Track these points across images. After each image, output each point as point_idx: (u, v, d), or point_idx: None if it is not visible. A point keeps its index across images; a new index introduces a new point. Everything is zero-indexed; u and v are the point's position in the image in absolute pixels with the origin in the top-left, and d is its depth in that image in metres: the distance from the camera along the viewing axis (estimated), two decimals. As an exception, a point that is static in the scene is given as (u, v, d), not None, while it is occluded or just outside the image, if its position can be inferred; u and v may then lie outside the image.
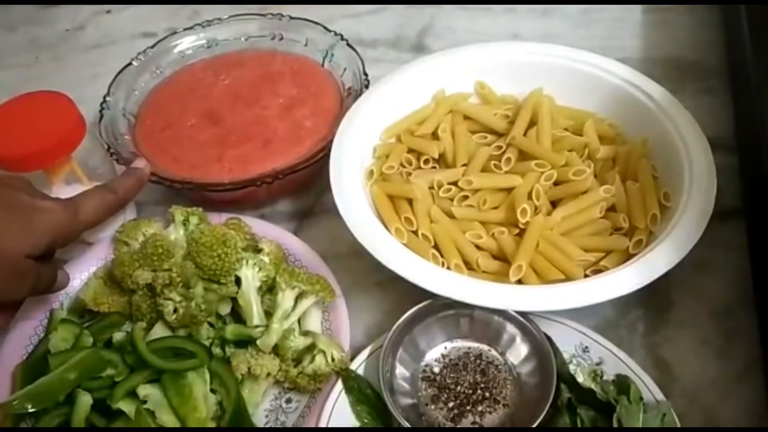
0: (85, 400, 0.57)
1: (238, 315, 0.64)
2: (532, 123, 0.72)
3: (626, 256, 0.62)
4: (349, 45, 0.81)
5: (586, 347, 0.61)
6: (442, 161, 0.72)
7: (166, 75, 0.83)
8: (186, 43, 0.85)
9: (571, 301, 0.56)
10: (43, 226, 0.57)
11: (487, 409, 0.59)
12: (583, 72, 0.74)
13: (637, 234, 0.64)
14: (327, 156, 0.69)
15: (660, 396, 0.57)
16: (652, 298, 0.66)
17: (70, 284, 0.68)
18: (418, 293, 0.60)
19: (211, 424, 0.57)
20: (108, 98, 0.77)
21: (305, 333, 0.62)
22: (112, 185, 0.65)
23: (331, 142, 0.70)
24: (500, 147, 0.71)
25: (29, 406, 0.56)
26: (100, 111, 0.76)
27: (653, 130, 0.69)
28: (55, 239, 0.59)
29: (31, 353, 0.63)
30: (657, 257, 0.58)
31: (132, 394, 0.58)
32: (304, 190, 0.78)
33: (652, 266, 0.58)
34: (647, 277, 0.57)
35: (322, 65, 0.82)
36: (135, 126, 0.78)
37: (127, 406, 0.57)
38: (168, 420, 0.57)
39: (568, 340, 0.61)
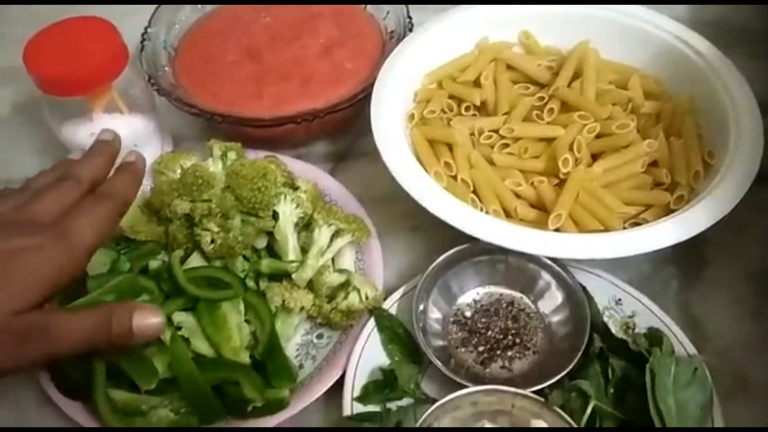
0: (121, 323, 0.58)
1: (272, 250, 0.64)
2: (576, 75, 0.71)
3: (666, 212, 0.62)
4: (393, -13, 0.80)
5: (619, 299, 0.61)
6: (482, 109, 0.72)
7: (206, 10, 0.82)
8: (228, -22, 0.84)
9: (609, 251, 0.56)
10: (28, 271, 0.45)
11: (517, 355, 0.59)
12: (631, 26, 0.73)
13: (679, 190, 0.63)
14: (366, 99, 0.68)
15: (692, 350, 0.57)
16: (688, 257, 0.66)
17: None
18: (452, 239, 0.60)
19: (245, 354, 0.58)
20: (149, 30, 0.77)
21: (340, 271, 0.63)
22: (104, 190, 0.52)
23: (371, 85, 0.69)
24: (542, 98, 0.70)
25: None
26: (142, 42, 0.76)
27: (700, 88, 0.68)
28: (54, 282, 0.46)
29: (70, 275, 0.64)
30: (698, 213, 0.58)
31: (167, 321, 0.58)
32: (341, 132, 0.77)
33: (693, 222, 0.57)
34: (687, 232, 0.57)
35: (365, 7, 0.81)
36: (175, 59, 0.78)
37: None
38: (202, 347, 0.58)
39: (601, 292, 0.61)
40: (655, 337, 0.57)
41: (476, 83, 0.72)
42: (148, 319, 0.48)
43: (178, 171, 0.67)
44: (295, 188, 0.65)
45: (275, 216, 0.62)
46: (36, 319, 0.45)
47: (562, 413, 0.52)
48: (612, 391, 0.55)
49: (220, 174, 0.65)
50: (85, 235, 0.48)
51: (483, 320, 0.61)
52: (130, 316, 0.47)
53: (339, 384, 0.57)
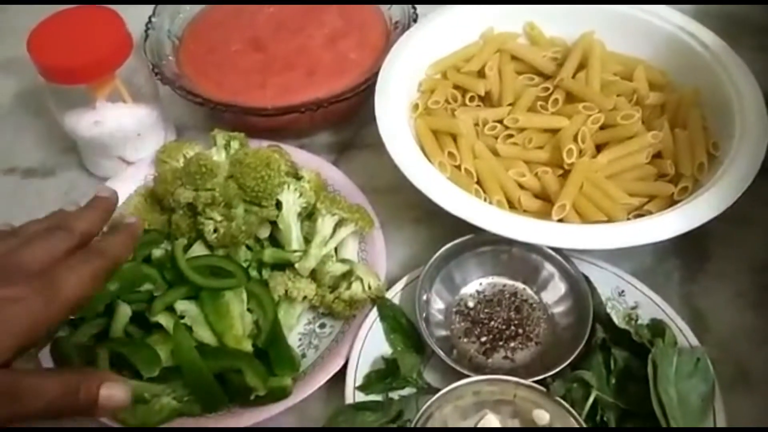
0: (124, 311, 0.58)
1: (275, 240, 0.64)
2: (581, 66, 0.71)
3: (670, 203, 0.62)
4: (397, -22, 0.80)
5: (622, 291, 0.61)
6: (487, 100, 0.72)
7: None
8: (232, -32, 0.84)
9: (612, 242, 0.56)
10: (2, 324, 0.41)
11: (519, 346, 0.59)
12: (636, 17, 0.73)
13: (683, 181, 0.63)
14: (370, 89, 0.68)
15: (695, 341, 0.57)
16: (691, 249, 0.66)
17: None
18: (455, 230, 0.61)
19: (247, 343, 0.58)
20: (153, 19, 0.77)
21: (343, 260, 0.63)
22: (98, 247, 0.48)
23: (375, 75, 0.69)
24: (547, 89, 0.70)
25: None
26: (146, 31, 0.76)
27: (706, 80, 0.68)
28: (27, 337, 0.42)
29: (72, 264, 0.65)
30: (701, 205, 0.58)
31: (170, 310, 0.59)
32: (344, 123, 0.77)
33: (696, 213, 0.57)
34: (690, 223, 0.57)
35: (370, -2, 0.81)
36: (179, 48, 0.78)
37: (165, 320, 0.58)
38: (205, 335, 0.58)
39: (604, 283, 0.61)
40: (657, 328, 0.57)
41: (481, 74, 0.72)
42: (114, 394, 0.43)
43: (182, 160, 0.67)
44: (299, 178, 0.65)
45: (278, 205, 0.62)
46: (5, 380, 0.41)
47: (564, 403, 0.52)
48: (614, 381, 0.55)
49: (224, 163, 0.65)
50: (68, 291, 0.43)
51: (486, 311, 0.61)
52: (98, 387, 0.43)
53: (341, 373, 0.57)
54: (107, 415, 0.50)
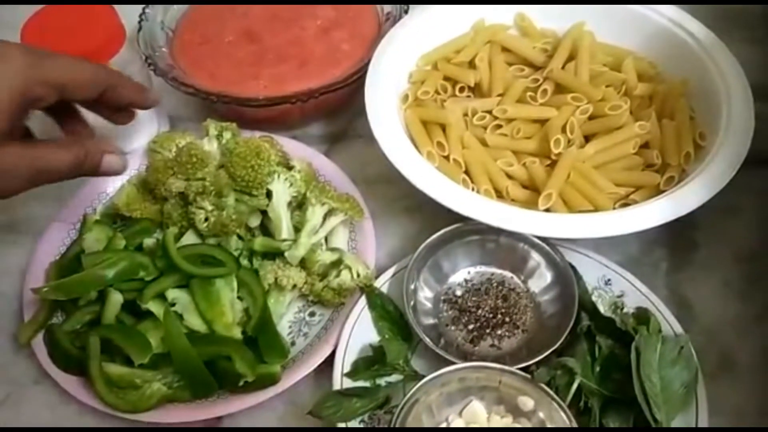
0: (116, 298, 0.59)
1: (266, 230, 0.65)
2: (571, 57, 0.71)
3: (656, 192, 0.62)
4: (389, -31, 0.80)
5: (609, 280, 0.61)
6: (477, 90, 0.72)
7: (205, -9, 0.83)
8: (226, -41, 0.85)
9: (598, 230, 0.57)
10: None
11: (506, 334, 0.60)
12: (626, 9, 0.73)
13: (670, 171, 0.63)
14: (362, 80, 0.68)
15: (679, 330, 0.58)
16: (678, 239, 0.67)
17: (103, 190, 0.69)
18: (445, 219, 0.61)
19: (237, 330, 0.59)
20: (147, 10, 0.77)
21: (332, 249, 0.63)
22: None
23: (366, 66, 0.69)
24: (537, 80, 0.70)
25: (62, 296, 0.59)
26: (139, 22, 0.76)
27: (694, 71, 0.69)
28: (20, 97, 0.47)
29: (65, 253, 0.66)
30: (686, 194, 0.59)
31: (161, 297, 0.60)
32: (337, 114, 0.78)
33: (681, 203, 0.58)
34: (675, 212, 0.57)
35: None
36: (173, 39, 0.78)
37: (156, 307, 0.59)
38: (195, 323, 0.59)
39: (591, 272, 0.61)
40: (642, 316, 0.58)
41: (471, 65, 0.73)
42: (113, 163, 0.54)
43: (174, 150, 0.67)
44: (290, 168, 0.66)
45: (269, 195, 0.63)
46: (27, 157, 0.48)
47: (548, 389, 0.52)
48: (598, 368, 0.55)
49: (216, 153, 0.66)
50: (58, 68, 0.49)
51: (473, 299, 0.62)
52: (100, 156, 0.53)
53: (330, 360, 0.58)
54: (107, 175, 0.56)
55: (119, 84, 0.55)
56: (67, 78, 0.50)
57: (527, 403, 0.53)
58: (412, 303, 0.59)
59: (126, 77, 0.56)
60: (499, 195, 0.64)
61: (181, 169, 0.63)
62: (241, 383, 0.56)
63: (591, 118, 0.67)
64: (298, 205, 0.65)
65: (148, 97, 0.58)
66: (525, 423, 0.53)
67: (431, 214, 0.66)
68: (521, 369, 0.54)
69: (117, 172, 0.55)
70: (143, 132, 0.73)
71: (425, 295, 0.61)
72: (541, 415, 0.53)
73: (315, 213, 0.63)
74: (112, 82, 0.54)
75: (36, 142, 0.52)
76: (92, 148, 0.53)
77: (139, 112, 0.70)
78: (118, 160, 0.54)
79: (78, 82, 0.51)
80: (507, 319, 0.60)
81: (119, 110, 0.58)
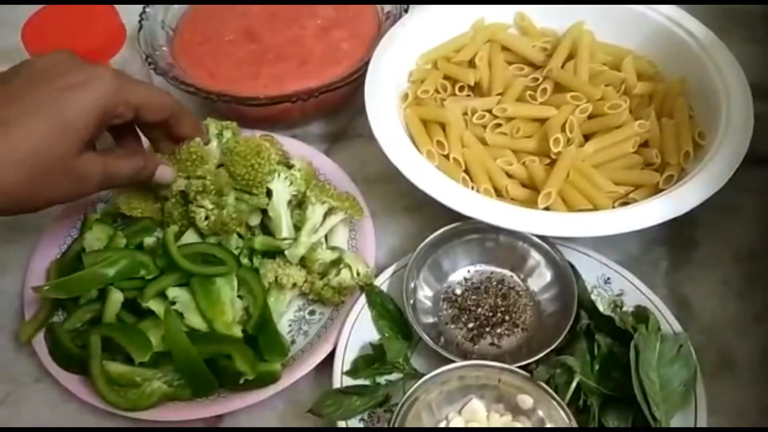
0: (116, 297, 0.59)
1: (266, 228, 0.65)
2: (571, 56, 0.71)
3: (656, 191, 0.63)
4: (389, -32, 0.81)
5: (608, 278, 0.61)
6: (476, 89, 0.72)
7: (205, -10, 0.83)
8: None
9: (598, 229, 0.57)
10: (78, 110, 0.51)
11: (506, 332, 0.60)
12: (626, 8, 0.73)
13: (669, 170, 0.64)
14: (362, 79, 0.69)
15: (678, 328, 0.58)
16: (677, 238, 0.67)
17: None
18: (444, 218, 0.61)
19: (237, 328, 0.59)
20: (147, 9, 0.77)
21: (332, 248, 0.63)
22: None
23: (367, 65, 0.70)
24: (536, 79, 0.70)
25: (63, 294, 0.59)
26: (140, 21, 0.76)
27: (693, 70, 0.69)
28: (104, 113, 0.53)
29: (66, 251, 0.66)
30: (686, 193, 0.59)
31: (161, 296, 0.60)
32: (337, 113, 0.78)
33: (680, 201, 0.58)
34: (674, 210, 0.57)
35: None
36: (173, 39, 0.78)
37: (156, 306, 0.59)
38: (195, 321, 0.59)
39: (590, 270, 0.62)
40: (641, 315, 0.58)
41: (471, 64, 0.73)
42: (165, 174, 0.61)
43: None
44: (290, 166, 0.66)
45: (269, 194, 0.63)
46: (99, 165, 0.54)
47: (547, 388, 0.52)
48: (597, 367, 0.56)
49: (216, 151, 0.66)
50: (139, 89, 0.56)
51: (473, 298, 0.62)
52: (155, 167, 0.60)
53: (330, 358, 0.58)
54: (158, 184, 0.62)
55: (182, 115, 0.61)
56: (144, 101, 0.56)
57: (526, 401, 0.53)
58: (411, 301, 0.59)
59: (189, 112, 0.62)
60: (499, 194, 0.65)
61: (181, 167, 0.63)
62: (241, 381, 0.56)
63: (590, 117, 0.67)
64: (298, 203, 0.65)
65: (203, 135, 0.63)
66: (524, 421, 0.53)
67: (431, 213, 0.66)
68: (521, 367, 0.54)
69: (167, 182, 0.61)
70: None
71: (425, 293, 0.62)
72: (540, 413, 0.53)
73: (315, 212, 0.63)
74: (177, 110, 0.60)
75: (106, 151, 0.58)
76: (149, 159, 0.60)
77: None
78: (169, 170, 0.61)
79: (152, 106, 0.57)
80: (506, 318, 0.60)
81: (171, 139, 0.62)
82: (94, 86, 0.52)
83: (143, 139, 0.62)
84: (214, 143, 0.67)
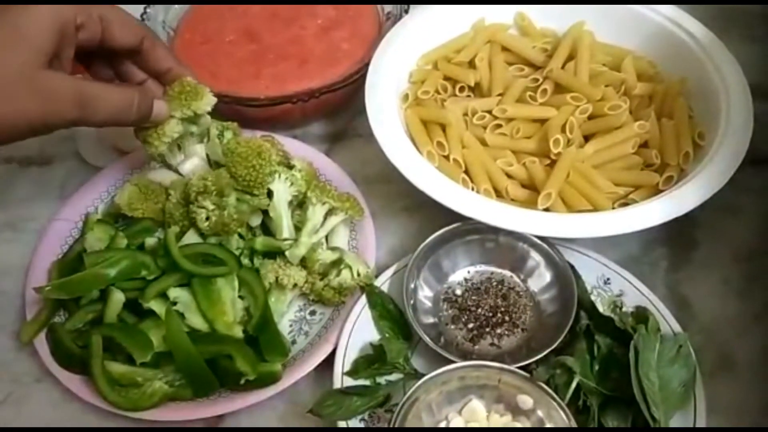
0: (117, 297, 0.60)
1: (267, 229, 0.65)
2: (571, 57, 0.71)
3: (655, 192, 0.63)
4: (389, -31, 0.81)
5: (608, 279, 0.62)
6: (477, 90, 0.73)
7: (206, -9, 0.83)
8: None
9: (597, 230, 0.57)
10: (32, 18, 0.48)
11: (506, 332, 0.60)
12: (625, 8, 0.73)
13: (669, 171, 0.64)
14: (362, 79, 0.69)
15: (678, 329, 0.58)
16: (677, 238, 0.67)
17: (104, 189, 0.70)
18: (445, 219, 0.61)
19: (238, 329, 0.59)
20: (148, 9, 0.77)
21: (333, 248, 0.64)
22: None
23: (367, 65, 0.70)
24: (537, 79, 0.71)
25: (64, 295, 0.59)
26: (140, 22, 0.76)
27: (693, 70, 0.69)
28: (63, 22, 0.49)
29: (67, 252, 0.66)
30: (685, 194, 0.59)
31: (162, 296, 0.60)
32: (337, 113, 0.78)
33: (680, 202, 0.58)
34: (673, 211, 0.58)
35: (363, -11, 0.82)
36: (174, 39, 0.78)
37: (157, 306, 0.59)
38: (196, 322, 0.59)
39: (590, 271, 0.62)
40: (641, 315, 0.58)
41: (471, 64, 0.73)
42: (161, 109, 0.56)
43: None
44: (290, 167, 0.66)
45: (270, 194, 0.63)
46: (73, 86, 0.49)
47: (547, 388, 0.53)
48: (597, 367, 0.56)
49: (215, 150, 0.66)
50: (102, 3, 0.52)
51: (473, 298, 0.62)
52: (151, 102, 0.55)
53: (330, 359, 0.58)
54: (152, 125, 0.57)
55: (156, 41, 0.57)
56: (110, 16, 0.53)
57: (526, 401, 0.53)
58: (412, 302, 0.59)
59: (162, 42, 0.58)
60: (499, 194, 0.65)
61: (174, 104, 0.60)
62: (242, 382, 0.56)
63: (590, 117, 0.67)
64: (299, 204, 0.65)
65: (181, 67, 0.59)
66: (524, 421, 0.53)
67: (431, 214, 0.66)
68: (521, 368, 0.54)
69: (162, 118, 0.57)
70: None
71: (425, 294, 0.62)
72: (540, 413, 0.53)
73: (315, 212, 0.63)
74: (150, 34, 0.56)
75: (85, 78, 0.53)
76: (143, 93, 0.55)
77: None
78: (164, 106, 0.56)
79: (119, 20, 0.53)
80: (506, 318, 0.61)
81: (147, 73, 0.59)
82: None
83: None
84: (210, 140, 0.67)
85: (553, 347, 0.56)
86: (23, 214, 0.72)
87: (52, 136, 0.77)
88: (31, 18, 0.48)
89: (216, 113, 0.73)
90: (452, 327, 0.61)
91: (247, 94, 0.72)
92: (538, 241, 0.61)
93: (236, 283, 0.61)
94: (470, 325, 0.61)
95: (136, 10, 0.75)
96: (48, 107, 0.49)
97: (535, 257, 0.62)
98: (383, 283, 0.62)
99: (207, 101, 0.61)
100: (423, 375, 0.54)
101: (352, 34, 0.77)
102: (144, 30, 0.56)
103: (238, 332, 0.59)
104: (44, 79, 0.48)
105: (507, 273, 0.63)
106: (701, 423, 0.53)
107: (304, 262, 0.62)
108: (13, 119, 0.48)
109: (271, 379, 0.57)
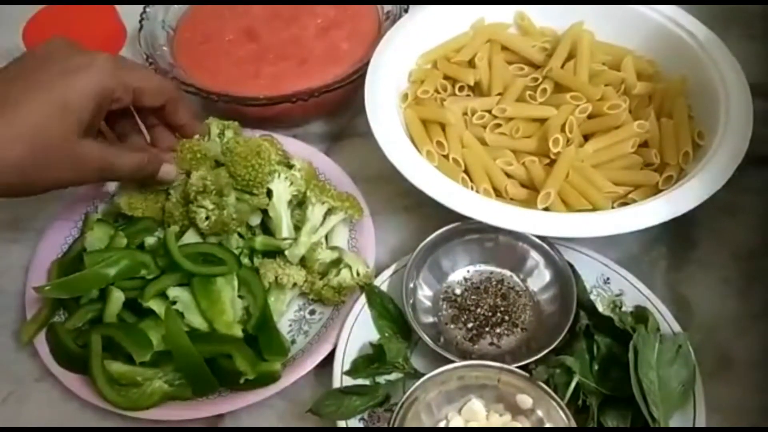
0: (117, 297, 0.60)
1: (267, 228, 0.65)
2: (570, 56, 0.71)
3: (655, 192, 0.63)
4: (389, -32, 0.81)
5: (608, 278, 0.62)
6: (476, 89, 0.73)
7: (205, -10, 0.83)
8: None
9: (597, 230, 0.57)
10: (78, 92, 0.53)
11: (505, 332, 0.60)
12: (626, 7, 0.73)
13: (668, 170, 0.64)
14: (362, 78, 0.69)
15: (677, 328, 0.58)
16: (677, 237, 0.67)
17: (104, 189, 0.70)
18: (444, 218, 0.61)
19: (238, 328, 0.59)
20: (148, 9, 0.77)
21: (332, 248, 0.64)
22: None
23: (366, 65, 0.70)
24: (536, 79, 0.71)
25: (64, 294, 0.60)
26: (140, 21, 0.76)
27: (693, 69, 0.69)
28: (102, 96, 0.54)
29: (67, 251, 0.66)
30: (685, 193, 0.59)
31: (162, 296, 0.60)
32: (337, 112, 0.78)
33: (679, 202, 0.58)
34: (673, 211, 0.58)
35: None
36: (173, 38, 0.78)
37: (157, 306, 0.59)
38: (196, 321, 0.59)
39: (590, 270, 0.62)
40: (640, 315, 0.58)
41: (471, 64, 0.73)
42: (169, 172, 0.61)
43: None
44: (290, 166, 0.66)
45: (269, 194, 0.63)
46: (101, 154, 0.55)
47: (546, 388, 0.53)
48: (596, 367, 0.56)
49: (215, 146, 0.66)
50: (137, 73, 0.57)
51: (473, 298, 0.62)
52: (159, 165, 0.60)
53: (329, 358, 0.58)
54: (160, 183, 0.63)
55: (180, 101, 0.61)
56: (143, 84, 0.57)
57: (526, 401, 0.53)
58: (411, 301, 0.59)
59: (186, 98, 0.63)
60: (498, 194, 0.65)
61: (182, 163, 0.63)
62: (241, 381, 0.56)
63: (590, 117, 0.67)
64: (299, 203, 0.65)
65: (196, 123, 0.64)
66: (523, 421, 0.53)
67: (430, 213, 0.66)
68: (520, 367, 0.54)
69: (170, 180, 0.62)
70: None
71: (425, 293, 0.62)
72: (539, 413, 0.53)
73: (315, 212, 0.63)
74: (175, 95, 0.61)
75: (109, 143, 0.60)
76: (153, 156, 0.60)
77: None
78: (172, 168, 0.62)
79: (150, 89, 0.58)
80: (506, 318, 0.61)
81: (168, 125, 0.63)
82: (92, 69, 0.53)
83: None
84: (211, 139, 0.67)
85: (552, 347, 0.56)
86: (23, 214, 0.72)
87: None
88: (77, 90, 0.52)
89: (216, 112, 0.73)
90: (452, 326, 0.61)
91: (247, 94, 0.72)
92: (538, 241, 0.61)
93: (236, 283, 0.61)
94: (470, 325, 0.61)
95: (135, 11, 0.76)
96: (78, 173, 0.55)
97: (535, 257, 0.62)
98: (383, 282, 0.62)
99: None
100: (422, 374, 0.54)
101: (352, 33, 0.77)
102: (171, 91, 0.60)
103: (237, 332, 0.59)
104: (79, 148, 0.53)
105: (506, 272, 0.63)
106: (701, 422, 0.53)
107: (303, 262, 0.62)
108: (49, 183, 0.54)
109: (271, 378, 0.57)
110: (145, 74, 0.58)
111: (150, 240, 0.64)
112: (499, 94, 0.70)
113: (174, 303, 0.60)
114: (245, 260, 0.63)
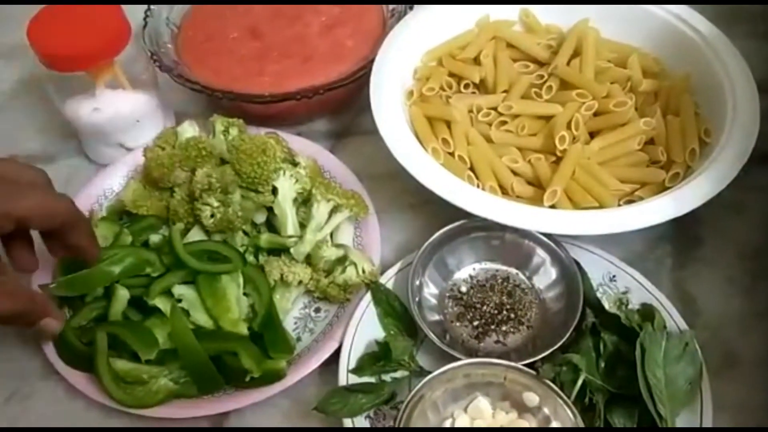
0: (122, 294, 0.60)
1: (272, 226, 0.65)
2: (576, 54, 0.71)
3: (661, 189, 0.62)
4: (394, -35, 0.80)
5: (614, 276, 0.61)
6: (482, 87, 0.72)
7: (210, -13, 0.83)
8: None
9: (603, 227, 0.57)
10: None
11: (511, 330, 0.60)
12: (630, 5, 0.73)
13: (675, 167, 0.63)
14: (366, 76, 0.69)
15: (684, 326, 0.58)
16: (682, 235, 0.67)
17: (109, 186, 0.70)
18: (450, 216, 0.61)
19: (243, 326, 0.59)
20: (152, 7, 0.77)
21: (337, 245, 0.64)
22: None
23: (371, 62, 0.70)
24: (542, 76, 0.70)
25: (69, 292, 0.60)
26: (144, 19, 0.76)
27: (699, 67, 0.69)
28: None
29: (72, 249, 0.66)
30: (691, 191, 0.59)
31: (167, 293, 0.60)
32: (341, 110, 0.78)
33: (686, 199, 0.58)
34: (679, 209, 0.57)
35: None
36: (178, 36, 0.78)
37: (162, 304, 0.59)
38: (201, 319, 0.59)
39: (596, 268, 0.61)
40: (647, 312, 0.58)
41: (476, 61, 0.73)
42: (50, 326, 0.56)
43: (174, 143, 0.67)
44: (295, 164, 0.66)
45: (274, 191, 0.63)
46: None
47: (553, 386, 0.52)
48: (603, 365, 0.56)
49: (222, 148, 0.66)
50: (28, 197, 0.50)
51: (478, 295, 0.62)
52: (39, 318, 0.55)
53: (335, 356, 0.58)
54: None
55: (75, 224, 0.55)
56: (31, 214, 0.51)
57: (532, 399, 0.53)
58: (417, 299, 0.59)
59: (85, 220, 0.57)
60: (504, 192, 0.65)
61: (187, 162, 0.63)
62: (247, 379, 0.56)
63: (596, 114, 0.67)
64: (304, 201, 0.65)
65: (94, 252, 0.58)
66: (530, 419, 0.53)
67: (436, 211, 0.66)
68: (526, 365, 0.54)
69: (52, 333, 0.57)
70: (149, 128, 0.73)
71: (430, 291, 0.62)
72: (546, 411, 0.53)
73: (320, 209, 0.63)
74: (71, 219, 0.54)
75: None
76: (38, 308, 0.56)
77: (145, 108, 0.72)
78: (55, 323, 0.57)
79: (39, 216, 0.52)
80: (512, 316, 0.61)
81: (63, 247, 0.56)
82: None
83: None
84: (216, 137, 0.67)
85: (558, 344, 0.56)
86: (27, 212, 0.71)
87: (56, 133, 0.78)
88: None
89: (220, 110, 0.73)
90: (457, 324, 0.61)
91: (251, 91, 0.72)
92: (544, 238, 0.61)
93: (241, 280, 0.61)
94: (475, 323, 0.60)
95: (139, 9, 0.76)
96: None
97: (541, 254, 0.62)
98: (388, 280, 0.62)
99: None
100: (428, 372, 0.54)
101: (356, 31, 0.77)
102: (65, 215, 0.53)
103: (243, 329, 0.59)
104: None
105: (512, 270, 0.63)
106: (708, 420, 0.53)
107: (308, 259, 0.62)
108: None
109: (276, 376, 0.57)
110: (40, 203, 0.51)
111: (155, 237, 0.64)
112: (505, 91, 0.70)
113: (179, 301, 0.60)
114: (250, 258, 0.63)
